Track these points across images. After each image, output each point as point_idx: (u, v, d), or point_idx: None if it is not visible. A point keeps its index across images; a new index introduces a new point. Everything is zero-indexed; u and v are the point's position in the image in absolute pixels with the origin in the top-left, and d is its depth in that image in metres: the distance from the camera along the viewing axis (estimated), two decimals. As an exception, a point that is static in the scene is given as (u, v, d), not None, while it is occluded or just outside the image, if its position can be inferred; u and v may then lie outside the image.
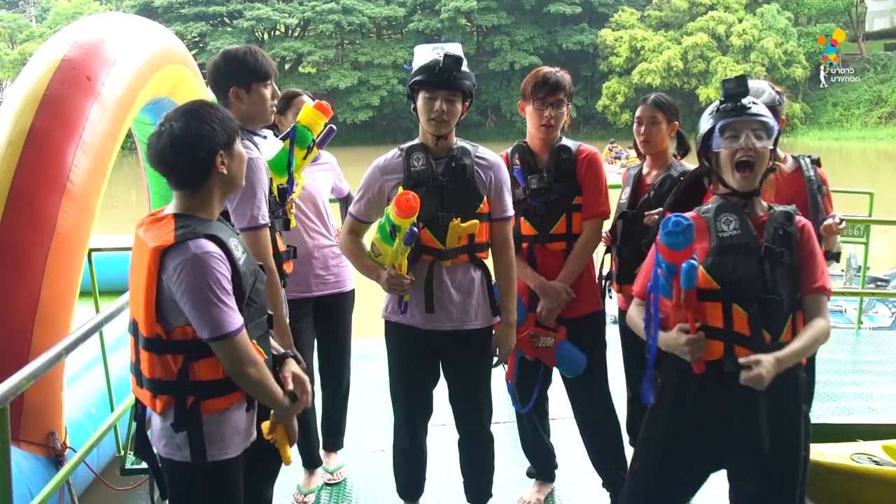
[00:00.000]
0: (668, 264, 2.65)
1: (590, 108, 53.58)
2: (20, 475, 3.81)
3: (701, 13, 50.73)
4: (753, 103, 2.79)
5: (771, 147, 2.77)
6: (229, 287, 2.40)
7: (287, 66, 55.61)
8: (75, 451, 4.23)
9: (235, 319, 2.40)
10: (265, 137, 3.30)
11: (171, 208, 2.52)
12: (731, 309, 2.71)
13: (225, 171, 2.49)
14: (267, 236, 3.12)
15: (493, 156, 3.46)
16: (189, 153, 2.43)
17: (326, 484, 4.37)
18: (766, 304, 2.69)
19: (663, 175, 3.79)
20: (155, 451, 2.63)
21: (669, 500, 2.98)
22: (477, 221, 3.32)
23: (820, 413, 4.21)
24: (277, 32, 57.51)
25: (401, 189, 3.20)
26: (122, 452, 4.61)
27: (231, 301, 2.40)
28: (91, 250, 4.62)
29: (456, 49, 3.29)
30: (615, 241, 3.92)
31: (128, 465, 4.61)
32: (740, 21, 49.75)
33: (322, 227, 4.18)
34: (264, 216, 3.07)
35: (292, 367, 2.74)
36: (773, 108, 3.48)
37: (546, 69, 3.73)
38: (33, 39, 53.42)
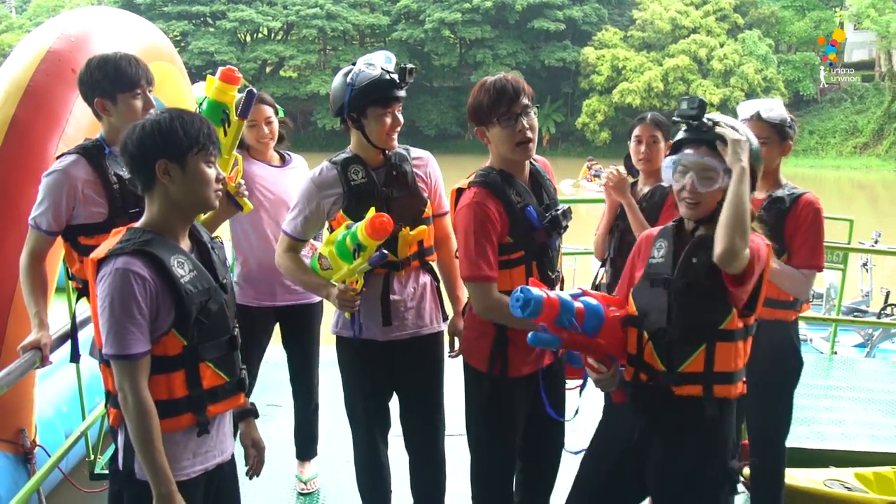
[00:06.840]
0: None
1: (569, 125, 53.74)
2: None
3: (683, 36, 51.10)
4: (715, 123, 2.64)
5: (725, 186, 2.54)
6: (142, 309, 2.28)
7: (268, 70, 55.48)
8: (45, 449, 4.16)
9: (133, 343, 2.27)
10: None
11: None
12: (642, 337, 2.71)
13: (168, 184, 2.37)
14: (37, 239, 3.17)
15: (424, 153, 3.46)
16: (134, 157, 2.37)
17: (300, 494, 4.32)
18: (663, 334, 2.65)
19: (652, 187, 3.82)
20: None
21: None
22: (425, 227, 3.28)
23: (794, 437, 4.22)
24: (260, 35, 57.31)
25: (373, 210, 2.97)
26: (92, 457, 4.47)
27: (138, 324, 2.27)
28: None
29: (390, 58, 3.21)
30: (609, 253, 3.92)
31: (97, 471, 4.47)
32: (721, 46, 50.16)
33: None
34: (39, 221, 3.12)
35: (253, 431, 2.75)
36: (782, 127, 3.50)
37: (489, 79, 3.00)
38: (12, 30, 52.97)
